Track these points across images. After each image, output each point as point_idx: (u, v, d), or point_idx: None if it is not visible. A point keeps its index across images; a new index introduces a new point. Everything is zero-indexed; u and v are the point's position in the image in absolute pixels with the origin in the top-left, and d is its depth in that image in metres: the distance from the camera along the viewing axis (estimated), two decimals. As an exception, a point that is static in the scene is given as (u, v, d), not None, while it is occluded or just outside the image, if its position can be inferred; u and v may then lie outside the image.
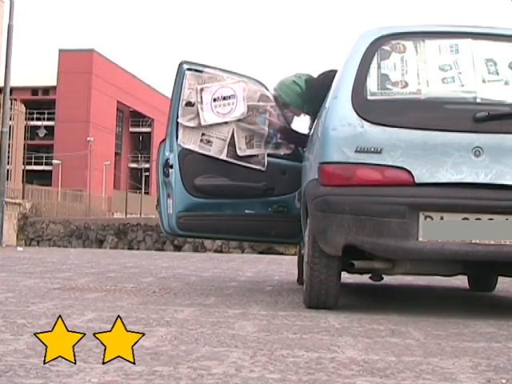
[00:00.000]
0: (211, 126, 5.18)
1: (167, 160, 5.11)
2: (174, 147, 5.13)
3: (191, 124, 5.14)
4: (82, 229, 23.60)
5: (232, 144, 5.20)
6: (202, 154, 5.16)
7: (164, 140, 5.23)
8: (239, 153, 5.20)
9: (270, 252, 16.29)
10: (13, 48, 14.51)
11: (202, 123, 5.12)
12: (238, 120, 5.21)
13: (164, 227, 5.23)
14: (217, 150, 5.17)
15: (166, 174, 5.12)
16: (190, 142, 5.17)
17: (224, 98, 5.18)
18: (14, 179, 15.05)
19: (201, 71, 5.19)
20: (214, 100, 5.16)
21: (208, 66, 5.26)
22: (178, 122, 5.13)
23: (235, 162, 5.22)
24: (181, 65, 5.16)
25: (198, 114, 5.13)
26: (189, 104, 5.14)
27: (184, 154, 5.14)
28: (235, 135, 5.19)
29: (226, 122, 5.18)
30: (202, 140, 5.19)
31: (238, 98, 5.17)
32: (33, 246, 20.79)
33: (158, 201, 5.28)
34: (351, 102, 3.73)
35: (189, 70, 5.15)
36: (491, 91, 3.72)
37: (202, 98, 5.12)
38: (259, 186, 5.26)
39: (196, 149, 5.16)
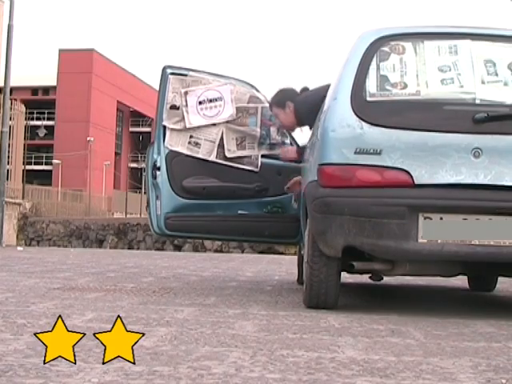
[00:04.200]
0: (199, 128, 5.24)
1: (155, 162, 5.19)
2: (161, 149, 5.20)
3: (178, 126, 5.22)
4: (82, 229, 23.60)
5: (222, 146, 5.25)
6: (191, 156, 5.20)
7: (152, 143, 5.31)
8: (228, 154, 5.26)
9: (270, 252, 16.30)
10: (13, 48, 14.52)
11: (187, 126, 5.20)
12: (227, 122, 5.25)
13: (153, 228, 5.33)
14: (205, 151, 5.23)
15: (154, 176, 5.20)
16: (178, 145, 5.23)
17: (210, 101, 5.24)
18: (14, 179, 15.05)
19: (185, 75, 5.25)
20: (200, 103, 5.22)
21: (192, 70, 5.32)
22: (164, 125, 5.21)
23: (226, 163, 5.26)
24: (164, 69, 5.27)
25: (183, 117, 5.19)
26: (173, 107, 5.22)
27: (171, 156, 5.21)
28: (224, 137, 5.23)
29: (214, 124, 5.23)
30: (190, 142, 5.25)
31: (226, 100, 5.22)
32: (33, 246, 20.79)
33: (148, 202, 5.35)
34: (350, 103, 3.74)
35: (172, 74, 5.24)
36: (490, 92, 3.73)
37: (186, 101, 5.19)
38: (250, 187, 5.29)
39: (184, 151, 5.23)
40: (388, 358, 2.40)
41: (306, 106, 4.85)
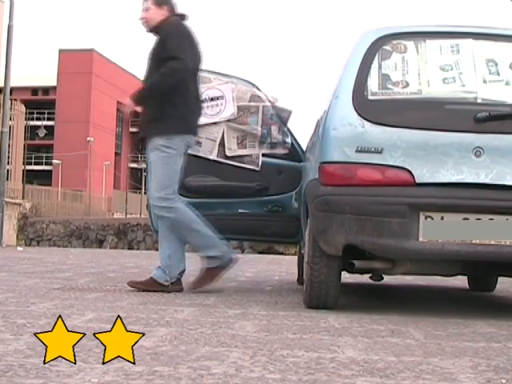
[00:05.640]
0: (200, 126, 5.21)
1: None
2: None
3: None
4: (82, 229, 23.61)
5: (223, 144, 5.24)
6: (192, 155, 5.19)
7: None
8: (228, 153, 5.25)
9: (270, 252, 16.30)
10: (13, 48, 14.52)
11: None
12: (228, 120, 5.24)
13: (154, 226, 5.30)
14: (206, 150, 5.21)
15: None
16: None
17: (212, 99, 5.22)
18: (14, 179, 15.05)
19: None
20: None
21: None
22: None
23: (226, 162, 5.25)
24: None
25: None
26: None
27: None
28: (225, 136, 5.22)
29: (215, 123, 5.22)
30: None
31: (227, 98, 5.21)
32: (33, 246, 20.79)
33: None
34: (352, 101, 3.74)
35: None
36: (492, 91, 3.73)
37: None
38: (251, 186, 5.28)
39: None
40: (388, 358, 2.40)
41: (172, 29, 4.82)
